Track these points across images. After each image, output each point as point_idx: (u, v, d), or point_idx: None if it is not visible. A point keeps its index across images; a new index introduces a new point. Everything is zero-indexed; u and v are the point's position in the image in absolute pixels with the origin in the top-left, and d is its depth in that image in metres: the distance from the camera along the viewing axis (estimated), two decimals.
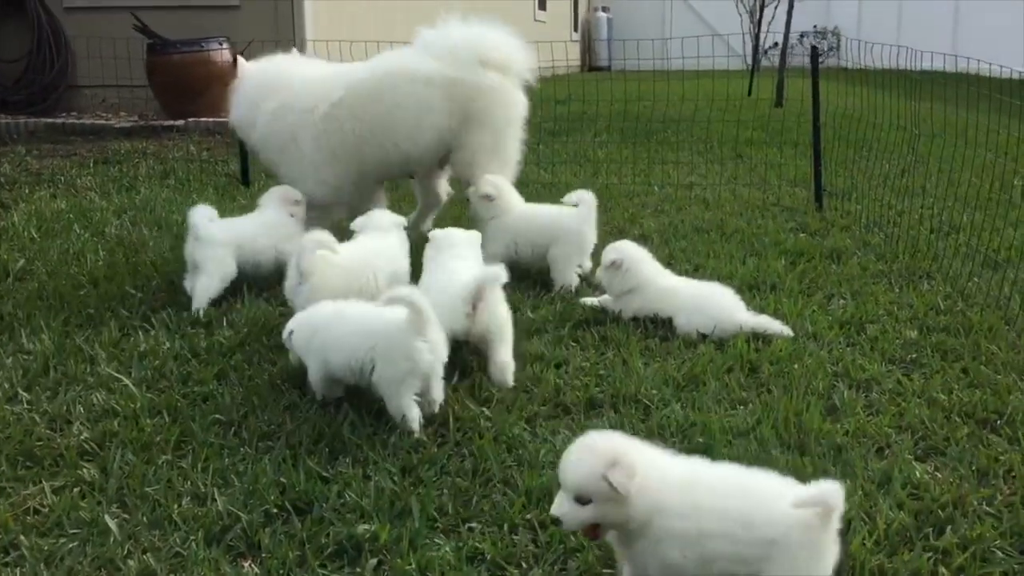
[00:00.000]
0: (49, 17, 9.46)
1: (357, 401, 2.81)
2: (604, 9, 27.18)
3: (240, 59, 4.45)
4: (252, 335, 3.39)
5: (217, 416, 2.75)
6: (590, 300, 3.74)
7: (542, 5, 21.63)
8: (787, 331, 3.42)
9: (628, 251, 3.66)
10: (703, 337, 3.38)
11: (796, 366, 3.13)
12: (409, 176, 4.92)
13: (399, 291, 2.73)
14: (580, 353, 3.28)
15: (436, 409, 2.78)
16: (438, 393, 2.79)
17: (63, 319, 3.52)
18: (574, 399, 2.91)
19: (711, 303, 3.51)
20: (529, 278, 4.09)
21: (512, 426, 2.71)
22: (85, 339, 3.34)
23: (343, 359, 2.76)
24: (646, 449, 1.95)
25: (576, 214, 4.12)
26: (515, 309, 3.69)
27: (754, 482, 1.89)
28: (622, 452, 1.86)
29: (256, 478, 2.41)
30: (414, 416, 2.68)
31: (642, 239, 4.80)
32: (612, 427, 2.72)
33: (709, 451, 2.56)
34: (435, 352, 2.73)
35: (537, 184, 6.30)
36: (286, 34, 9.26)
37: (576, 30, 26.40)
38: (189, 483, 2.40)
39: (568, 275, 4.02)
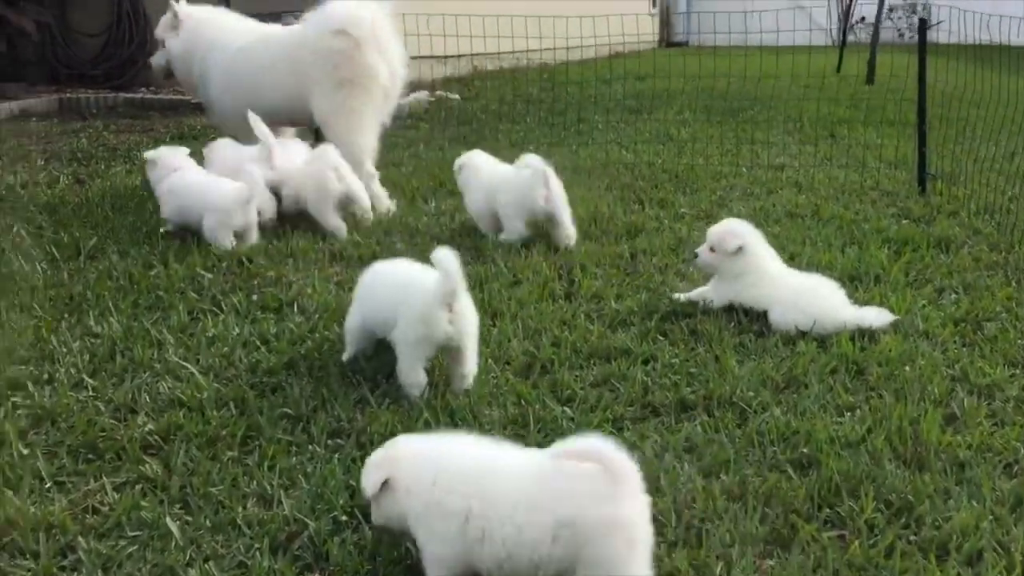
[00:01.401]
0: None
1: (432, 400, 2.64)
2: None
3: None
4: (323, 321, 3.25)
5: (285, 410, 2.61)
6: (683, 295, 3.50)
7: None
8: (887, 317, 3.17)
9: (747, 234, 3.38)
10: (801, 334, 3.13)
11: (908, 368, 2.86)
12: None
13: (442, 254, 2.56)
14: (669, 348, 3.06)
15: (468, 384, 2.71)
16: (470, 367, 2.72)
17: (132, 301, 3.42)
18: (663, 399, 2.70)
19: (811, 298, 3.24)
20: (615, 266, 3.88)
21: (597, 428, 2.51)
22: (153, 323, 3.24)
23: (374, 310, 2.80)
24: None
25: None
26: (598, 299, 3.50)
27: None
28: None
29: (325, 480, 2.26)
30: (417, 382, 2.66)
31: None
32: (706, 432, 2.51)
33: (814, 463, 2.34)
34: (458, 324, 2.64)
35: (619, 164, 6.05)
36: None
37: (654, 5, 25.85)
38: (255, 483, 2.26)
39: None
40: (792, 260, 3.87)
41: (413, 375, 2.67)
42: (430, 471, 1.88)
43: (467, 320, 2.68)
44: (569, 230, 4.15)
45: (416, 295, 2.65)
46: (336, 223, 4.29)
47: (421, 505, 1.86)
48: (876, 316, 3.19)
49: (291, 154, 4.56)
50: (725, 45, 7.85)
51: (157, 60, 5.30)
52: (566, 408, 2.64)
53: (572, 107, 8.43)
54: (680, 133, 7.44)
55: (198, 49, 5.04)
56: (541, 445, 2.43)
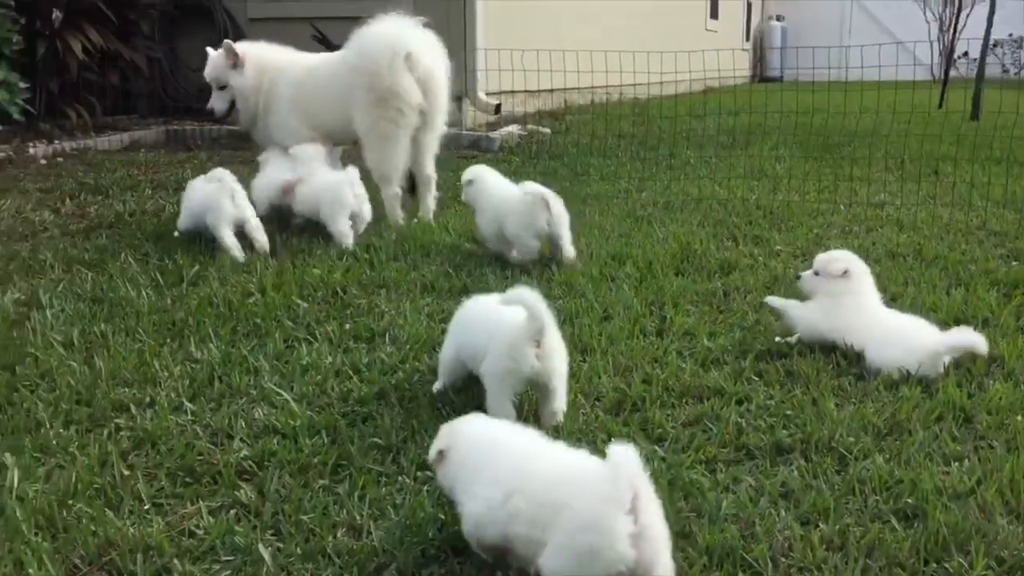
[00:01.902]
0: (234, 27, 9.85)
1: None
2: (778, 18, 26.30)
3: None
4: (414, 352, 3.27)
5: (376, 440, 2.62)
6: (776, 301, 3.48)
7: (714, 13, 21.11)
8: (982, 344, 3.06)
9: (854, 261, 3.35)
10: (905, 378, 3.01)
11: (1020, 418, 2.73)
12: None
13: (520, 292, 2.57)
14: (764, 389, 2.98)
15: (558, 420, 2.69)
16: (559, 404, 2.69)
17: (231, 328, 3.51)
18: (758, 442, 2.63)
19: (910, 335, 3.13)
20: (707, 303, 3.82)
21: (689, 470, 2.46)
22: (250, 350, 3.30)
23: (466, 343, 2.83)
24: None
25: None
26: (690, 336, 3.45)
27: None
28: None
29: (414, 512, 2.26)
30: (504, 415, 2.60)
31: None
32: (803, 477, 2.43)
33: (920, 514, 2.24)
34: (546, 361, 2.61)
35: (712, 199, 5.97)
36: (457, 43, 9.27)
37: (748, 39, 25.65)
38: (345, 512, 2.27)
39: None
40: (894, 301, 3.75)
41: (501, 409, 2.66)
42: (485, 447, 2.07)
43: (556, 357, 2.66)
44: (568, 251, 4.38)
45: (505, 329, 2.66)
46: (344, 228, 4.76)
47: (469, 472, 2.04)
48: (966, 336, 3.08)
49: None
50: (822, 81, 7.72)
51: (220, 105, 5.39)
52: (657, 447, 2.59)
53: (664, 142, 8.39)
54: (775, 169, 7.33)
55: (263, 83, 5.28)
56: None
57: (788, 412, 2.81)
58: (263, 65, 5.33)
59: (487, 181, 4.57)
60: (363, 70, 4.97)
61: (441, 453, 2.13)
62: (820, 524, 2.22)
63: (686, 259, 4.48)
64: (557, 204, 4.30)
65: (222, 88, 5.35)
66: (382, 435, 2.65)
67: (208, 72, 5.36)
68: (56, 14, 7.99)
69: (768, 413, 2.81)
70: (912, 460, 2.50)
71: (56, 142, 7.92)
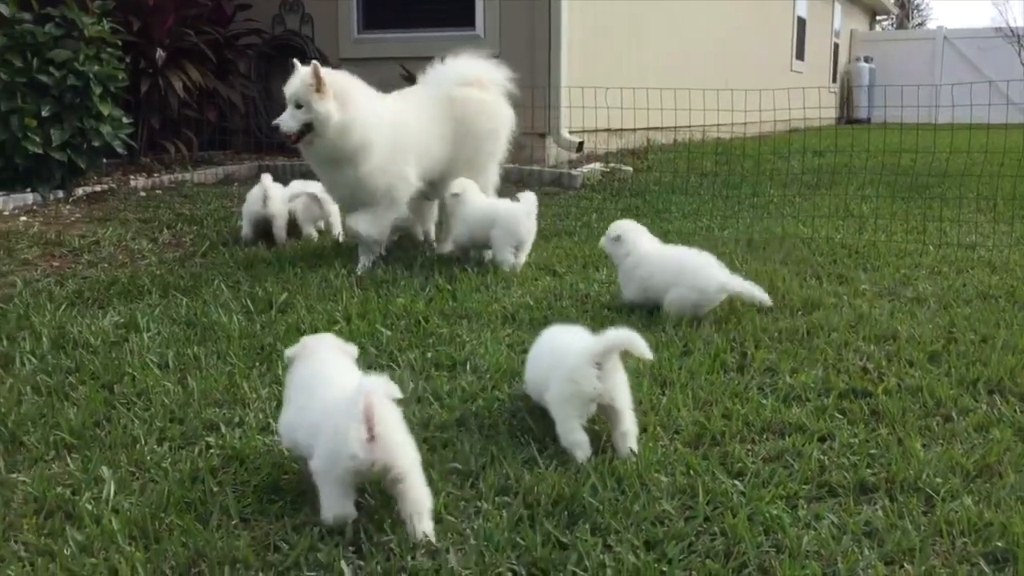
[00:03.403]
0: (327, 67, 10.15)
1: (599, 464, 2.63)
2: (866, 59, 25.93)
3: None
4: (494, 381, 3.31)
5: (455, 465, 2.66)
6: None
7: (800, 54, 20.93)
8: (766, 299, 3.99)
9: (624, 226, 4.26)
10: (996, 419, 2.93)
11: None
12: None
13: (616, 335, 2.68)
14: (847, 428, 2.93)
15: (631, 443, 2.71)
16: (627, 425, 2.72)
17: None
18: (841, 480, 2.58)
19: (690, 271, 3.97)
20: (790, 340, 3.77)
21: (769, 505, 2.43)
22: None
23: (533, 371, 2.94)
24: None
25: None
26: (772, 372, 3.41)
27: None
28: None
29: (491, 536, 2.28)
30: (577, 441, 2.68)
31: (916, 302, 4.35)
32: (888, 517, 2.38)
33: (1011, 558, 2.17)
34: (607, 382, 2.65)
35: (795, 238, 5.91)
36: (542, 80, 9.42)
37: (834, 80, 25.34)
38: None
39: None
40: (984, 342, 3.66)
41: (572, 435, 2.70)
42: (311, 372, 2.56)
43: (617, 376, 2.71)
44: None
45: (567, 356, 2.74)
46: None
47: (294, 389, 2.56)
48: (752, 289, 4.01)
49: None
50: (911, 123, 7.59)
51: (290, 124, 4.75)
52: (737, 481, 2.57)
53: (747, 181, 8.34)
54: (861, 209, 7.21)
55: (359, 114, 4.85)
56: (709, 518, 2.39)
57: (872, 451, 2.76)
58: (350, 94, 4.90)
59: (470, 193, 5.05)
60: (470, 100, 5.30)
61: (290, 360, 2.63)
62: (905, 564, 2.18)
63: (768, 296, 4.43)
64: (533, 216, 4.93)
65: (299, 108, 4.78)
66: (461, 460, 2.69)
67: (292, 89, 4.81)
68: (160, 53, 8.38)
69: (851, 451, 2.76)
70: (1003, 503, 2.43)
71: (155, 175, 8.27)
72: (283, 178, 9.07)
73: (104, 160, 7.79)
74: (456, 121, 5.27)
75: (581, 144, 9.80)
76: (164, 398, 3.14)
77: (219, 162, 9.41)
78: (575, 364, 2.68)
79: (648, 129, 11.47)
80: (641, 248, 4.22)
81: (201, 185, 8.39)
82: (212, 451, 2.75)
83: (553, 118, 9.59)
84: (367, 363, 3.50)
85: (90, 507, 2.40)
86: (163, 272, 4.94)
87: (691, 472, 2.62)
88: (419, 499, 2.28)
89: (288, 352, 2.67)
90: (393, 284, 4.66)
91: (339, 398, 2.32)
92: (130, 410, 3.05)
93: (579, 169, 9.10)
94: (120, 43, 7.52)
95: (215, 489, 2.52)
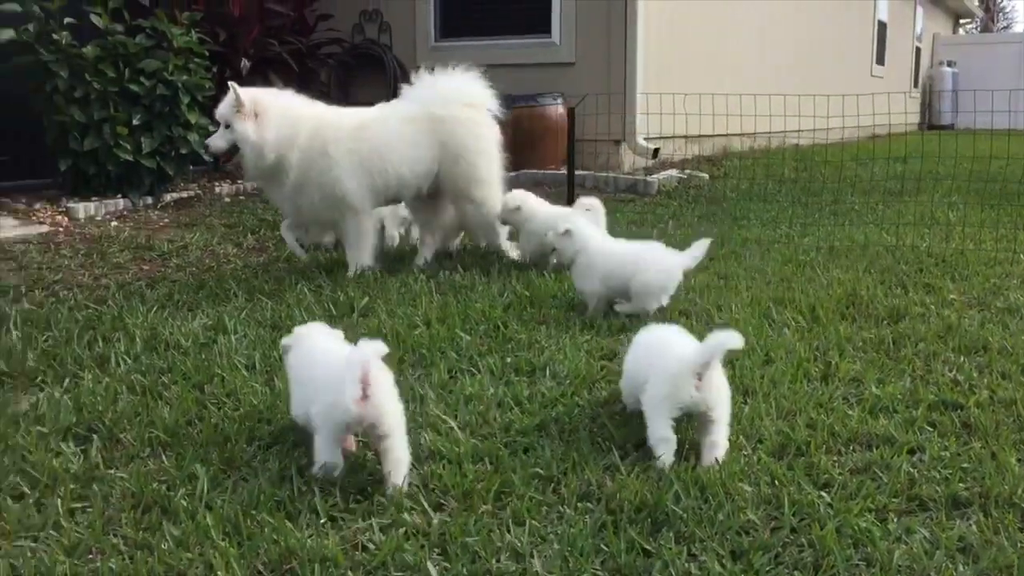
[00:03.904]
0: (404, 75, 10.28)
1: (682, 472, 2.62)
2: (949, 64, 25.25)
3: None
4: (574, 388, 3.32)
5: (537, 470, 2.68)
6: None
7: (880, 59, 20.48)
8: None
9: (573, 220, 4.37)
10: None
11: None
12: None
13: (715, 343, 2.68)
14: (938, 440, 2.86)
15: (717, 455, 2.69)
16: (716, 437, 2.71)
17: (398, 357, 3.65)
18: (932, 493, 2.52)
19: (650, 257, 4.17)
20: (875, 350, 3.70)
21: (857, 518, 2.39)
22: (417, 378, 3.43)
23: (632, 369, 2.97)
24: None
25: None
26: (857, 383, 3.35)
27: None
28: None
29: (574, 541, 2.29)
30: (664, 437, 2.68)
31: (1008, 313, 4.23)
32: (982, 533, 2.32)
33: None
34: (706, 392, 2.67)
35: (879, 246, 5.79)
36: (617, 88, 9.41)
37: (916, 85, 24.74)
38: (508, 537, 2.32)
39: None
40: None
41: (660, 431, 2.71)
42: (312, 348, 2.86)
43: (716, 391, 2.71)
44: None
45: (667, 359, 2.77)
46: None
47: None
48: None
49: None
50: (1000, 128, 7.37)
51: (218, 144, 4.90)
52: (823, 493, 2.53)
53: (827, 188, 8.19)
54: (947, 216, 7.03)
55: (300, 137, 4.89)
56: (796, 529, 2.36)
57: (965, 465, 2.69)
58: (287, 114, 4.91)
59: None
60: (462, 119, 5.18)
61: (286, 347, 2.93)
62: None
63: (852, 305, 4.36)
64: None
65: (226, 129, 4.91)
66: (543, 465, 2.70)
67: (220, 111, 4.96)
68: (244, 63, 8.59)
69: (943, 465, 2.69)
70: None
71: (239, 182, 8.47)
72: None
73: (191, 167, 8.02)
74: (442, 141, 5.13)
75: (657, 151, 9.75)
76: (252, 398, 3.22)
77: None
78: (676, 371, 2.69)
79: (724, 135, 11.36)
80: (591, 245, 4.30)
81: None
82: (299, 450, 2.81)
83: (628, 124, 9.56)
84: (448, 367, 3.54)
85: (185, 503, 2.48)
86: (248, 276, 5.07)
87: (776, 482, 2.58)
88: (400, 458, 2.58)
89: (284, 341, 3.00)
90: (471, 289, 4.70)
91: (334, 362, 2.64)
92: (220, 410, 3.13)
93: (655, 176, 9.05)
94: (207, 53, 7.74)
95: (303, 488, 2.57)
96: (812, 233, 6.36)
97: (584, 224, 4.41)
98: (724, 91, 7.76)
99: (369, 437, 2.63)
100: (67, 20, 7.00)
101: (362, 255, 5.12)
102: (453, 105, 5.17)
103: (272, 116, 4.81)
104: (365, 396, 2.48)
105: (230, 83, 4.87)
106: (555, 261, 5.01)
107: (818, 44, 15.73)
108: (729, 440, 2.78)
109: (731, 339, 2.67)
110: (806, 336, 3.88)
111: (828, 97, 6.88)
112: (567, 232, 4.30)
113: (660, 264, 4.15)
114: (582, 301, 4.32)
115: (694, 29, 10.99)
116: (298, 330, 2.99)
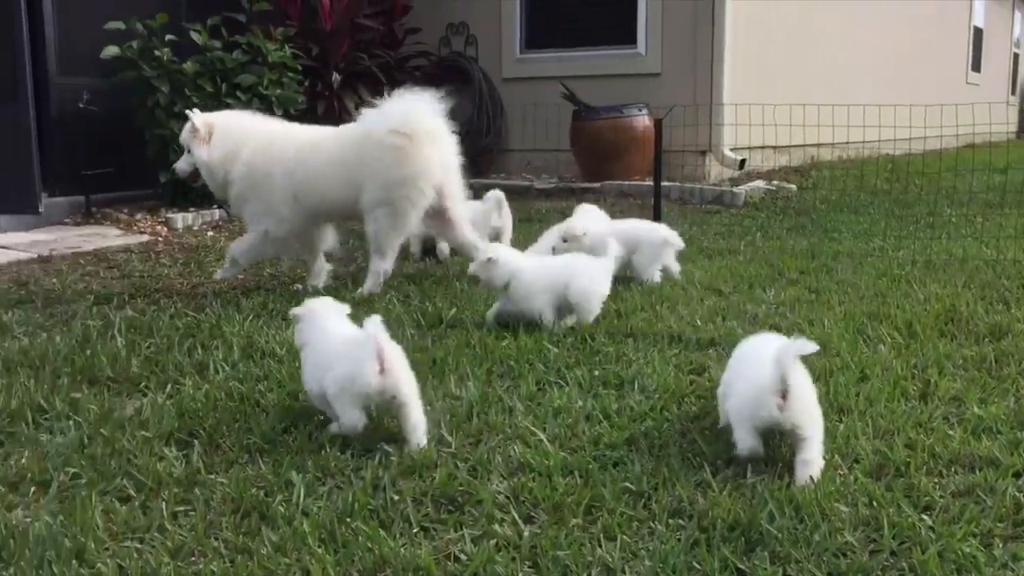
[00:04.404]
0: (490, 87, 10.40)
1: (776, 491, 2.58)
2: None
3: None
4: (663, 402, 3.29)
5: (627, 484, 2.67)
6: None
7: (976, 66, 19.84)
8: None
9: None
10: None
11: None
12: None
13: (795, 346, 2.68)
14: None
15: (812, 472, 2.66)
16: (810, 455, 2.69)
17: (487, 368, 3.68)
18: None
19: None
20: (977, 369, 3.59)
21: (960, 542, 2.31)
22: (505, 390, 3.46)
23: (725, 379, 3.01)
24: None
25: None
26: (958, 402, 3.25)
27: None
28: None
29: (666, 558, 2.27)
30: (749, 445, 2.70)
31: None
32: None
33: None
34: (791, 411, 2.66)
35: (978, 260, 5.61)
36: (703, 99, 9.32)
37: (1013, 92, 23.89)
38: (599, 552, 2.32)
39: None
40: None
41: (746, 439, 2.72)
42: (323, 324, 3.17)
43: (803, 409, 2.69)
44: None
45: (752, 371, 2.77)
46: None
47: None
48: None
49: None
50: None
51: (182, 167, 5.26)
52: (924, 516, 2.46)
53: (922, 200, 7.97)
54: None
55: (243, 152, 5.10)
56: (896, 552, 2.30)
57: None
58: (231, 133, 5.17)
59: None
60: (388, 146, 4.92)
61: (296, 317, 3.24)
62: None
63: (951, 321, 4.23)
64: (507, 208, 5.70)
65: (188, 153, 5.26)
66: (633, 480, 2.69)
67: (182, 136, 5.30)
68: (335, 77, 8.79)
69: None
70: None
71: None
72: None
73: None
74: (367, 164, 5.00)
75: (743, 161, 9.62)
76: None
77: None
78: (760, 386, 2.68)
79: (813, 146, 11.15)
80: (523, 266, 4.30)
81: None
82: (392, 459, 2.85)
83: (715, 135, 9.47)
84: (536, 379, 3.55)
85: (282, 509, 2.54)
86: (338, 286, 5.17)
87: (874, 503, 2.52)
88: (417, 421, 2.92)
89: (294, 311, 3.29)
90: None
91: (346, 338, 3.04)
92: (313, 418, 3.20)
93: (741, 187, 8.93)
94: (300, 68, 7.94)
95: (395, 498, 2.61)
96: (907, 246, 6.19)
97: (507, 250, 4.49)
98: (812, 100, 7.61)
99: (388, 407, 2.95)
100: (168, 37, 7.27)
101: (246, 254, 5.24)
102: (382, 130, 4.97)
103: (218, 136, 5.10)
104: (383, 370, 2.81)
105: (187, 112, 5.21)
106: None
107: (910, 50, 15.32)
108: (824, 458, 2.73)
109: (801, 346, 2.66)
110: (903, 353, 3.78)
111: (925, 108, 6.69)
112: (490, 261, 4.25)
113: (591, 271, 4.28)
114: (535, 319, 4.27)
115: (782, 37, 10.82)
116: (309, 304, 3.29)
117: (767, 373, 2.67)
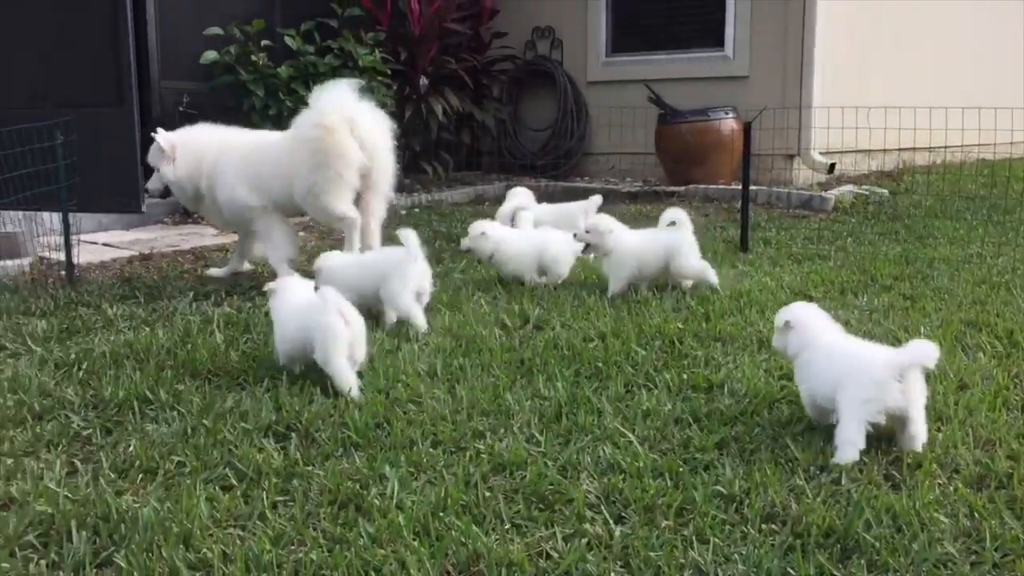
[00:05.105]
0: (574, 90, 10.41)
1: (873, 499, 2.54)
2: None
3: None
4: (753, 406, 3.27)
5: (718, 488, 2.66)
6: None
7: None
8: None
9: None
10: None
11: None
12: None
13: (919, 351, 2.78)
14: None
15: (918, 445, 2.80)
16: (917, 429, 2.80)
17: (574, 370, 3.70)
18: None
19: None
20: None
21: None
22: (593, 391, 3.47)
23: (822, 375, 2.99)
24: None
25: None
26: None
27: None
28: None
29: (760, 563, 2.26)
30: (852, 439, 2.77)
31: None
32: None
33: None
34: (908, 394, 2.75)
35: None
36: (792, 101, 9.17)
37: None
38: (691, 554, 2.32)
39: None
40: None
41: (851, 433, 2.77)
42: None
43: (917, 390, 2.79)
44: None
45: (869, 362, 2.84)
46: None
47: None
48: None
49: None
50: None
51: (155, 185, 5.58)
52: None
53: (1022, 206, 7.69)
54: None
55: (204, 164, 5.41)
56: (999, 565, 2.24)
57: None
58: (196, 148, 5.47)
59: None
60: (307, 139, 5.13)
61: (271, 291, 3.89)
62: None
63: None
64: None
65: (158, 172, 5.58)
66: (724, 484, 2.68)
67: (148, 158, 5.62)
68: (423, 81, 8.92)
69: None
70: None
71: (415, 194, 8.79)
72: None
73: None
74: (295, 160, 5.21)
75: (832, 166, 9.43)
76: (435, 404, 3.34)
77: (470, 182, 9.86)
78: (880, 375, 2.77)
79: (906, 150, 10.84)
80: (507, 237, 5.34)
81: (455, 204, 8.84)
82: (482, 456, 2.89)
83: (804, 139, 9.30)
84: (624, 381, 3.56)
85: (377, 502, 2.60)
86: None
87: (975, 515, 2.47)
88: (363, 354, 3.62)
89: (269, 286, 3.89)
90: (645, 305, 4.69)
91: (312, 305, 3.58)
92: (406, 414, 3.27)
93: (831, 191, 8.75)
94: (389, 72, 8.08)
95: (487, 494, 2.65)
96: (1007, 253, 6.00)
97: (496, 226, 5.43)
98: (904, 103, 7.41)
99: (352, 353, 3.51)
100: (264, 42, 7.48)
101: (278, 251, 5.45)
102: (306, 126, 5.19)
103: (180, 155, 5.43)
104: (347, 322, 3.47)
105: (152, 134, 5.51)
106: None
107: (1009, 51, 14.78)
108: (920, 466, 2.69)
109: (931, 356, 2.76)
110: (1004, 362, 3.67)
111: None
112: (483, 234, 5.23)
113: (560, 241, 5.16)
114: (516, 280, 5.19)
115: (873, 39, 10.55)
116: (282, 280, 3.95)
117: (891, 361, 2.78)
